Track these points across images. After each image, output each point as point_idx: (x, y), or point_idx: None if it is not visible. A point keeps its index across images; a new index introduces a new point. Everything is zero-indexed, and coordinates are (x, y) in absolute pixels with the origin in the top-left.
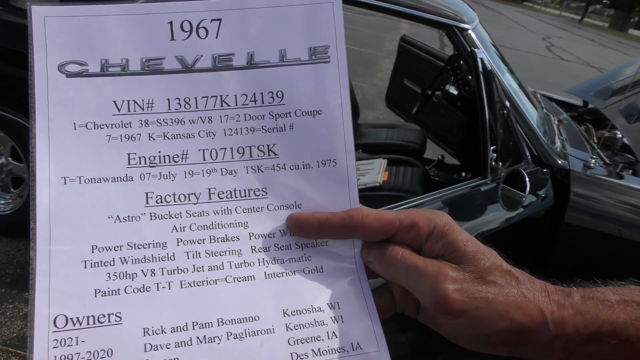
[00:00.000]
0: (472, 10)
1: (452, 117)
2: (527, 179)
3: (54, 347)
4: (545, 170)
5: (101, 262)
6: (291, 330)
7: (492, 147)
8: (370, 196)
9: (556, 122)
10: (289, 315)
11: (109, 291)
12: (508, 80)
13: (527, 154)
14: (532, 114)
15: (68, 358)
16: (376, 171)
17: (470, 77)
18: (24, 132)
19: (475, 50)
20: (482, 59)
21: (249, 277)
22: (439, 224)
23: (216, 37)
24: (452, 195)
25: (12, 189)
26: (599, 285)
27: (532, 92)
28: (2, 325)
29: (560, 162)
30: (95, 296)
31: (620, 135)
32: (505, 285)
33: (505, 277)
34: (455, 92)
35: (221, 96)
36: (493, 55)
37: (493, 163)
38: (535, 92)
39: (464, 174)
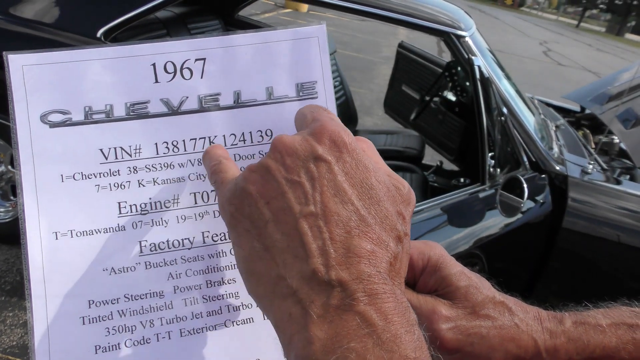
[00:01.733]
0: (469, 17)
1: (450, 123)
2: (525, 185)
3: None
4: (543, 176)
5: (99, 317)
6: None
7: (490, 154)
8: None
9: (554, 127)
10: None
11: (109, 346)
12: (505, 87)
13: (525, 160)
14: (529, 120)
15: None
16: None
17: (467, 83)
18: None
19: (473, 57)
20: (479, 66)
21: (248, 320)
22: (433, 258)
23: (201, 77)
24: (451, 202)
25: (11, 197)
26: (590, 309)
27: (530, 98)
28: (2, 333)
29: (558, 167)
30: (96, 353)
31: (617, 141)
32: (499, 317)
33: (498, 309)
34: (453, 98)
35: (209, 137)
36: (490, 62)
37: (491, 169)
38: (533, 98)
39: (462, 179)
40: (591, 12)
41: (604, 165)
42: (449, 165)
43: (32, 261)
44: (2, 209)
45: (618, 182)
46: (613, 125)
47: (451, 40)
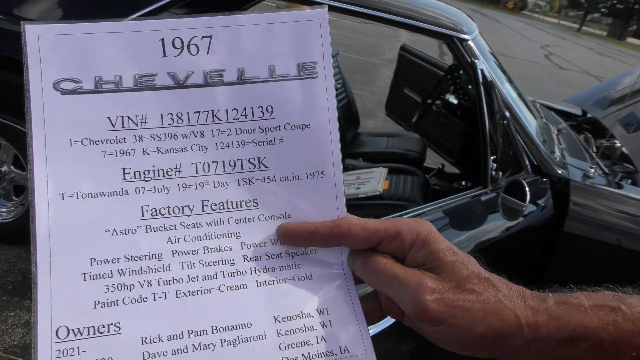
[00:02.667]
0: (471, 20)
1: (452, 126)
2: (527, 189)
3: (56, 358)
4: (544, 179)
5: (100, 274)
6: (282, 335)
7: (492, 157)
8: (371, 205)
9: (555, 131)
10: (279, 322)
11: (107, 302)
12: (507, 90)
13: (527, 163)
14: (531, 124)
15: None
16: (377, 180)
17: (470, 86)
18: (26, 140)
19: (475, 60)
20: (482, 70)
21: (241, 286)
22: (422, 233)
23: (207, 54)
24: (453, 205)
25: (14, 197)
26: (574, 291)
27: (532, 102)
28: (3, 332)
29: (559, 171)
30: (95, 307)
31: (619, 145)
32: (483, 292)
33: (483, 285)
34: (455, 102)
35: (213, 111)
36: (492, 65)
37: (493, 173)
38: (535, 102)
39: (464, 182)
40: (592, 16)
41: (606, 170)
42: (450, 169)
43: (39, 218)
44: (4, 209)
45: (620, 186)
46: (615, 130)
47: (454, 44)
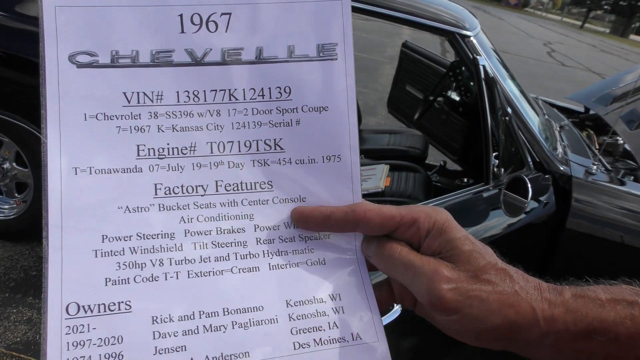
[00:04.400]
0: (473, 16)
1: (453, 123)
2: (529, 185)
3: (66, 334)
4: (547, 176)
5: (111, 251)
6: (294, 320)
7: (494, 154)
8: (372, 202)
9: (558, 128)
10: (292, 306)
11: (119, 280)
12: (510, 87)
13: (529, 160)
14: (533, 121)
15: (80, 344)
16: (378, 177)
17: (472, 83)
18: (29, 137)
19: (477, 57)
20: (484, 66)
21: (254, 268)
22: (439, 221)
23: (226, 31)
24: (455, 201)
25: (16, 194)
26: (591, 284)
27: (534, 99)
28: (5, 329)
29: (562, 168)
30: (106, 285)
31: (621, 142)
32: (499, 283)
33: (499, 275)
34: (457, 98)
35: (230, 90)
36: (495, 62)
37: (495, 169)
38: (537, 98)
39: (466, 179)
40: (595, 13)
41: (608, 166)
42: (452, 166)
43: (51, 193)
44: (6, 206)
45: (622, 183)
46: (617, 126)
47: (456, 40)
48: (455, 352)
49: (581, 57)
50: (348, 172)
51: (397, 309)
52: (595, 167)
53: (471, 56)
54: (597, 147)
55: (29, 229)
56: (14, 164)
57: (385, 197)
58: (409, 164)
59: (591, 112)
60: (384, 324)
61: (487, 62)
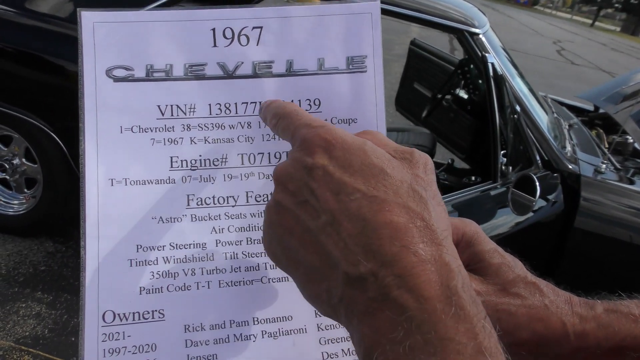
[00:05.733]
0: (482, 14)
1: (462, 121)
2: (537, 184)
3: (102, 341)
4: (555, 175)
5: (145, 261)
6: (322, 330)
7: (502, 152)
8: None
9: (567, 126)
10: (320, 316)
11: (152, 289)
12: (519, 85)
13: (538, 158)
14: (542, 119)
15: (116, 351)
16: None
17: (480, 81)
18: (38, 133)
19: (486, 54)
20: (492, 64)
21: (284, 279)
22: (467, 233)
23: (257, 45)
24: (462, 199)
25: (25, 190)
26: (623, 299)
27: (543, 97)
28: (15, 324)
29: (570, 166)
30: (140, 294)
31: (631, 141)
32: (529, 297)
33: (529, 289)
34: (466, 96)
35: (260, 102)
36: (504, 60)
37: (503, 167)
38: (546, 97)
39: (473, 177)
40: (606, 11)
41: (618, 165)
42: (460, 164)
43: (88, 204)
44: (16, 202)
45: (631, 182)
46: (627, 125)
47: (465, 38)
48: None
49: (591, 55)
50: None
51: None
52: (604, 165)
53: (480, 54)
54: (607, 146)
55: (38, 224)
56: (24, 159)
57: None
58: None
59: (601, 110)
60: None
61: (496, 59)
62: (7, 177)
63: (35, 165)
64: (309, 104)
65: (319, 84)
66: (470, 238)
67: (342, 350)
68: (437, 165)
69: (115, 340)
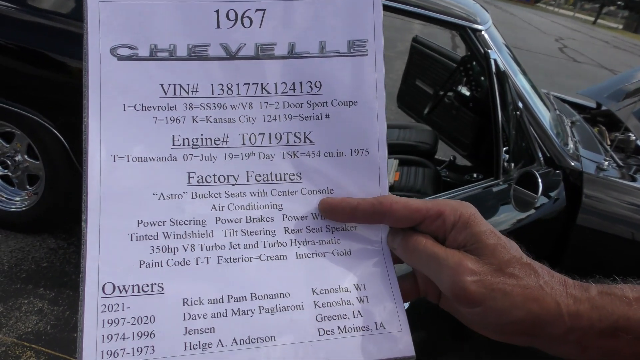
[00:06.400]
0: (485, 11)
1: (464, 118)
2: (539, 180)
3: (102, 312)
4: (557, 171)
5: (146, 235)
6: (319, 307)
7: (504, 148)
8: None
9: (569, 123)
10: (317, 294)
11: (152, 263)
12: (521, 82)
13: (540, 155)
14: (545, 116)
15: (115, 322)
16: (387, 171)
17: (482, 78)
18: (40, 130)
19: (489, 51)
20: (495, 60)
21: (282, 257)
22: (464, 214)
23: (260, 27)
24: (464, 196)
25: (27, 186)
26: (618, 283)
27: (545, 94)
28: (17, 320)
29: (573, 163)
30: (140, 267)
31: (633, 138)
32: (524, 277)
33: (524, 270)
34: (468, 93)
35: (262, 84)
36: (506, 56)
37: (505, 164)
38: (548, 94)
39: (475, 175)
40: (608, 9)
41: (620, 162)
42: (462, 162)
43: (91, 178)
44: (18, 198)
45: (634, 179)
46: (629, 122)
47: (467, 34)
48: (462, 346)
49: (593, 53)
50: (375, 165)
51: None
52: (606, 163)
53: (482, 50)
54: (609, 143)
55: (40, 221)
56: (26, 156)
57: (394, 192)
58: (418, 158)
59: (603, 108)
60: None
61: (499, 56)
62: (9, 174)
63: (38, 162)
64: (310, 86)
65: (320, 66)
66: (467, 219)
67: (339, 327)
68: (439, 162)
69: (115, 311)
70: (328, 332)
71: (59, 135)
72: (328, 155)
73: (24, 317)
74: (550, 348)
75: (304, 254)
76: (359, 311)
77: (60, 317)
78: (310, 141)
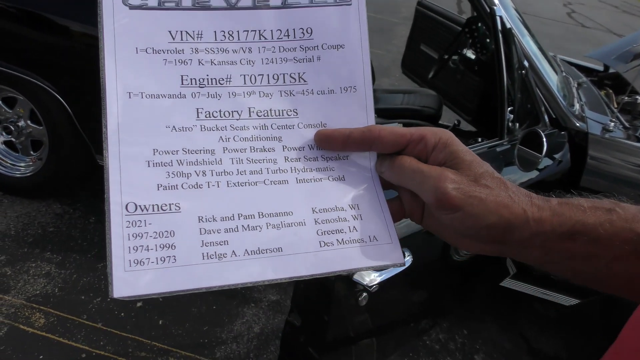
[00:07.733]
0: None
1: (468, 83)
2: (544, 140)
3: (127, 227)
4: (562, 132)
5: (161, 162)
6: (319, 223)
7: (509, 108)
8: None
9: (575, 85)
10: (317, 212)
11: (169, 186)
12: (527, 42)
13: (545, 116)
14: (551, 76)
15: (139, 236)
16: None
17: (488, 40)
18: (43, 95)
19: (494, 7)
20: (501, 17)
21: (283, 181)
22: (443, 137)
23: None
24: None
25: (31, 152)
26: (575, 195)
27: (552, 56)
28: (25, 282)
29: (578, 124)
30: (158, 189)
31: None
32: (496, 188)
33: (495, 182)
34: (473, 56)
35: (259, 30)
36: (512, 15)
37: (510, 124)
38: (555, 56)
39: (480, 139)
40: None
41: (626, 124)
42: (466, 127)
43: (109, 112)
44: (22, 164)
45: None
46: (637, 84)
47: None
48: (462, 306)
49: (602, 18)
50: (363, 101)
51: (408, 259)
52: (612, 124)
53: (488, 9)
54: (616, 105)
55: (45, 186)
56: (29, 121)
57: None
58: (422, 123)
59: (610, 70)
60: (393, 274)
61: (504, 13)
62: (13, 140)
63: (41, 128)
64: (302, 32)
65: (310, 15)
66: (446, 141)
67: (337, 240)
68: (443, 127)
69: (138, 226)
70: (328, 244)
71: (61, 99)
72: (320, 93)
73: (32, 280)
74: (519, 253)
75: (303, 179)
76: (354, 226)
77: (68, 280)
78: (305, 81)
